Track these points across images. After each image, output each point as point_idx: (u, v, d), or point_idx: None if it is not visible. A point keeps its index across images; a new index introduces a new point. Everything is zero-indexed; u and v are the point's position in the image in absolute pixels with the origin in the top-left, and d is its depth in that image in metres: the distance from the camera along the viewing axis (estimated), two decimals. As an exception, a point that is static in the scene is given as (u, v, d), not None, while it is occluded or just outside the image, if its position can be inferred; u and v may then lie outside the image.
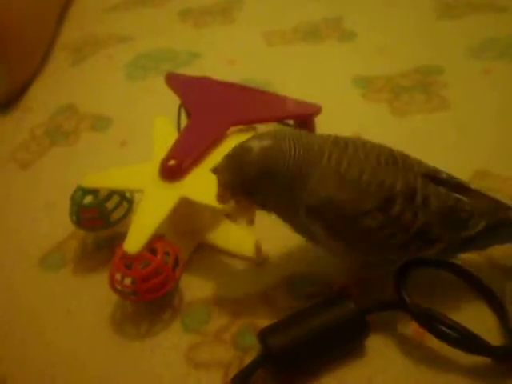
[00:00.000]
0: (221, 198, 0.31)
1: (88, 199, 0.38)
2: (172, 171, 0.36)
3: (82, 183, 0.38)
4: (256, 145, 0.29)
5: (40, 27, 0.67)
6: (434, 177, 0.32)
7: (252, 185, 0.30)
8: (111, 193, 0.39)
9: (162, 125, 0.41)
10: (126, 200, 0.40)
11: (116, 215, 0.39)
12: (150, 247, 0.34)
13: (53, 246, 0.42)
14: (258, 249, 0.37)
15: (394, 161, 0.31)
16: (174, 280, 0.34)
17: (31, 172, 0.50)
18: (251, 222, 0.34)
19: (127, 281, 0.34)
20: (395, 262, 0.32)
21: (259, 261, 0.37)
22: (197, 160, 0.37)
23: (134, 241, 0.33)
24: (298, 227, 0.32)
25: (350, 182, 0.29)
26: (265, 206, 0.31)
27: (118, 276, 0.34)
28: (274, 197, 0.30)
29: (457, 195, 0.31)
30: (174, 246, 0.35)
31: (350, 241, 0.30)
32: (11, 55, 0.59)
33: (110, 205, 0.39)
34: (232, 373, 0.30)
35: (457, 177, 0.33)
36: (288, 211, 0.31)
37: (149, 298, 0.34)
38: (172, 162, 0.36)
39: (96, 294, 0.37)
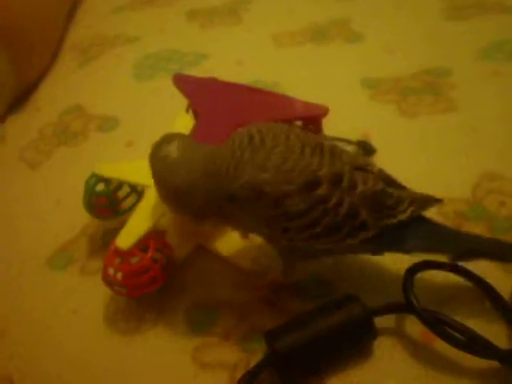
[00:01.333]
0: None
1: (100, 186, 0.39)
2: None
3: (95, 170, 0.39)
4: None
5: (48, 27, 0.67)
6: (364, 169, 0.31)
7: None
8: (122, 183, 0.40)
9: (183, 121, 0.41)
10: (135, 192, 0.40)
11: (124, 206, 0.40)
12: (144, 244, 0.34)
13: (60, 245, 0.42)
14: (254, 260, 0.37)
15: (321, 151, 0.31)
16: (161, 279, 0.34)
17: (40, 172, 0.50)
18: (245, 235, 0.35)
19: (118, 275, 0.34)
20: (329, 253, 0.32)
21: (255, 273, 0.37)
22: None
23: (127, 236, 0.34)
24: (236, 225, 0.33)
25: (272, 168, 0.29)
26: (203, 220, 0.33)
27: (111, 270, 0.34)
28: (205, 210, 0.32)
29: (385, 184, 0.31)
30: (168, 245, 0.35)
31: (276, 225, 0.30)
32: (19, 55, 0.60)
33: (120, 195, 0.40)
34: (238, 374, 0.30)
35: (388, 173, 0.33)
36: (222, 217, 0.32)
37: (135, 294, 0.34)
38: None
39: (103, 294, 0.37)
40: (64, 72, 0.64)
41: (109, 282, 0.34)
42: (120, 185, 0.40)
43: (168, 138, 0.32)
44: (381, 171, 0.33)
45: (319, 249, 0.31)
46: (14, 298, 0.39)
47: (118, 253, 0.34)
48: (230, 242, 0.38)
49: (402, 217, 0.31)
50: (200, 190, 0.31)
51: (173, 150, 0.31)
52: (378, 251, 0.33)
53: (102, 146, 0.51)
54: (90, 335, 0.35)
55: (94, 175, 0.39)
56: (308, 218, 0.30)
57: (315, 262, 0.34)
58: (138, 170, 0.38)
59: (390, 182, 0.32)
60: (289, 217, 0.30)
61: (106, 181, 0.39)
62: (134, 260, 0.34)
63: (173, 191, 0.31)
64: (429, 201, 0.32)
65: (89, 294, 0.38)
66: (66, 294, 0.38)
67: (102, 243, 0.41)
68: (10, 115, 0.59)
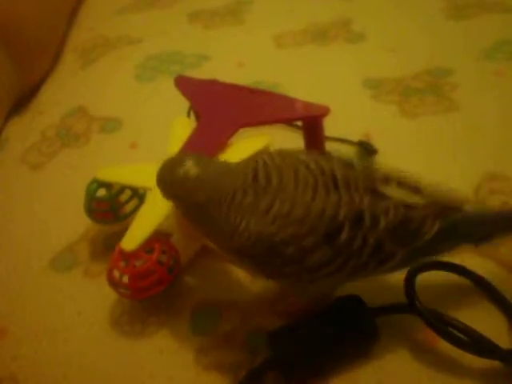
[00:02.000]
0: None
1: (101, 192, 0.39)
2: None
3: (96, 175, 0.39)
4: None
5: (50, 29, 0.67)
6: (382, 190, 0.29)
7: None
8: (124, 187, 0.40)
9: (180, 125, 0.41)
10: (137, 196, 0.40)
11: (126, 210, 0.40)
12: (149, 246, 0.34)
13: (63, 247, 0.42)
14: None
15: (335, 184, 0.28)
16: (167, 281, 0.34)
17: (42, 173, 0.50)
18: None
19: (124, 277, 0.34)
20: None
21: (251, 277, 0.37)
22: None
23: (132, 238, 0.34)
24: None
25: (280, 219, 0.27)
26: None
27: (116, 272, 0.34)
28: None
29: (406, 203, 0.29)
30: (173, 247, 0.35)
31: (298, 279, 0.28)
32: (21, 57, 0.60)
33: (121, 199, 0.40)
34: (241, 375, 0.30)
35: (408, 177, 0.31)
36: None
37: (140, 296, 0.34)
38: None
39: (106, 295, 0.37)
40: (66, 74, 0.64)
41: (114, 284, 0.34)
42: (122, 189, 0.40)
43: (179, 157, 0.29)
44: (401, 179, 0.30)
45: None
46: (17, 300, 0.39)
47: (123, 255, 0.34)
48: None
49: (428, 237, 0.29)
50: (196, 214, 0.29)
51: (191, 166, 0.28)
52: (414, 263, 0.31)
53: (104, 148, 0.51)
54: (94, 337, 0.35)
55: (95, 180, 0.39)
56: (332, 266, 0.28)
57: None
58: (139, 173, 0.38)
59: (412, 189, 0.30)
60: (310, 270, 0.28)
61: (108, 186, 0.39)
62: (139, 262, 0.34)
63: (200, 206, 0.28)
64: (452, 209, 0.30)
65: (93, 297, 0.38)
66: (70, 296, 0.38)
67: (105, 246, 0.41)
68: (13, 117, 0.59)
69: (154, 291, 0.34)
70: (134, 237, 0.34)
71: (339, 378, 0.30)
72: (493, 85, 0.50)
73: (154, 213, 0.35)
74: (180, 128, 0.41)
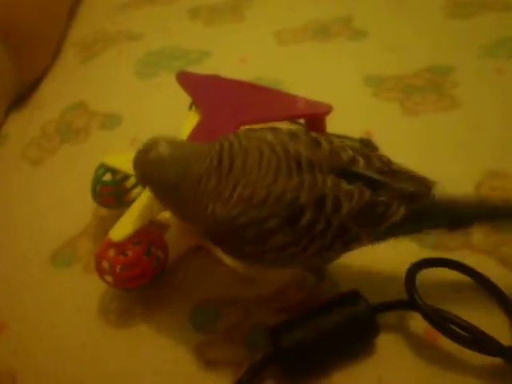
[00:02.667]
0: None
1: (107, 176, 0.40)
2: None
3: (104, 160, 0.40)
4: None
5: (50, 24, 0.67)
6: (348, 171, 0.29)
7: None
8: (128, 175, 0.40)
9: (193, 121, 0.41)
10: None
11: (130, 197, 0.41)
12: (138, 238, 0.34)
13: (63, 242, 0.42)
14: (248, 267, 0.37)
15: (298, 165, 0.28)
16: (151, 275, 0.35)
17: (42, 169, 0.50)
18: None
19: (106, 265, 0.35)
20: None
21: (248, 278, 0.37)
22: None
23: (121, 229, 0.34)
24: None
25: (242, 202, 0.27)
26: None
27: (102, 259, 0.34)
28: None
29: (374, 180, 0.29)
30: (163, 241, 0.35)
31: (261, 258, 0.29)
32: (21, 52, 0.60)
33: (126, 186, 0.41)
34: (242, 371, 0.30)
35: (378, 157, 0.31)
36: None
37: (122, 286, 0.35)
38: None
39: (106, 291, 0.37)
40: (66, 69, 0.64)
41: (99, 270, 0.35)
42: (126, 176, 0.40)
43: (152, 141, 0.30)
44: (368, 162, 0.30)
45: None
46: (17, 295, 0.39)
47: (112, 244, 0.34)
48: None
49: (395, 219, 0.29)
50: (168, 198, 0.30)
51: (162, 148, 0.29)
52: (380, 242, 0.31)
53: (104, 144, 0.51)
54: (94, 333, 0.35)
55: (103, 165, 0.40)
56: (295, 248, 0.28)
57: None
58: None
59: (380, 170, 0.30)
60: (273, 251, 0.28)
61: (113, 171, 0.40)
62: (126, 253, 0.34)
63: (170, 188, 0.29)
64: (421, 194, 0.30)
65: (93, 292, 0.38)
66: (70, 291, 0.38)
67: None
68: (13, 112, 0.59)
69: (137, 283, 0.34)
70: (123, 228, 0.34)
71: (339, 374, 0.30)
72: (494, 82, 0.50)
73: (147, 206, 0.35)
74: (192, 122, 0.40)
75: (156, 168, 0.29)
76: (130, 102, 0.55)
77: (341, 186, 0.29)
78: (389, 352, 0.31)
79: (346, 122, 0.47)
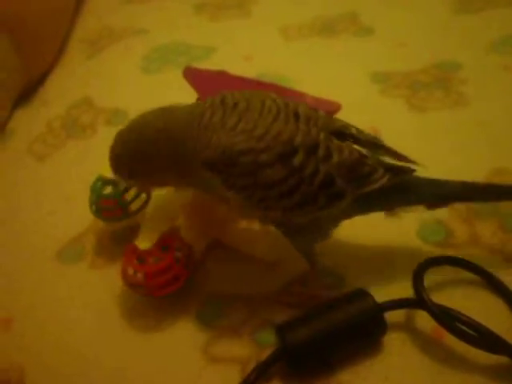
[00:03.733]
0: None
1: (108, 189, 0.39)
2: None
3: (103, 172, 0.38)
4: (123, 131, 0.32)
5: (56, 20, 0.67)
6: (341, 132, 0.32)
7: (135, 167, 0.32)
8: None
9: None
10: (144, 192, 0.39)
11: (134, 207, 0.39)
12: (163, 243, 0.34)
13: (70, 239, 0.42)
14: (267, 250, 0.37)
15: (296, 117, 0.31)
16: (184, 278, 0.34)
17: (48, 165, 0.50)
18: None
19: (140, 275, 0.34)
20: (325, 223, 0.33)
21: (270, 263, 0.37)
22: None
23: (146, 236, 0.34)
24: (206, 190, 0.32)
25: (242, 133, 0.29)
26: (167, 183, 0.33)
27: (130, 270, 0.34)
28: (168, 171, 0.31)
29: (361, 150, 0.32)
30: (187, 244, 0.35)
31: (253, 194, 0.30)
32: (27, 47, 0.60)
33: (128, 196, 0.39)
34: (249, 368, 0.31)
35: (368, 133, 0.34)
36: (191, 180, 0.32)
37: (157, 293, 0.34)
38: None
39: (113, 287, 0.37)
40: (72, 65, 0.64)
41: (129, 283, 0.34)
42: (128, 186, 0.39)
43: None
44: (359, 132, 0.33)
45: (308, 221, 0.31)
46: (23, 291, 0.39)
47: (138, 253, 0.33)
48: (243, 233, 0.38)
49: (378, 184, 0.31)
50: (160, 154, 0.31)
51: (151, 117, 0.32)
52: (363, 213, 0.33)
53: (110, 140, 0.51)
54: (100, 329, 0.35)
55: (99, 178, 0.39)
56: (283, 187, 0.30)
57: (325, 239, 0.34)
58: None
59: (368, 141, 0.33)
60: (264, 186, 0.30)
61: (113, 183, 0.38)
62: (155, 259, 0.33)
63: (127, 155, 0.32)
64: (405, 170, 0.32)
65: (99, 289, 0.38)
66: (76, 287, 0.38)
67: (111, 238, 0.41)
68: (19, 108, 0.59)
69: (172, 288, 0.34)
70: (149, 234, 0.33)
71: (347, 372, 0.30)
72: (501, 79, 0.50)
73: (167, 209, 0.34)
74: None
75: (144, 132, 0.31)
76: (135, 98, 0.55)
77: (333, 140, 0.31)
78: (396, 350, 0.31)
79: (352, 119, 0.46)
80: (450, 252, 0.35)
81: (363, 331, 0.31)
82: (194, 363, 0.32)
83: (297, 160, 0.29)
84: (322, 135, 0.30)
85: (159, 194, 0.36)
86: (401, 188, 0.32)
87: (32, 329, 0.36)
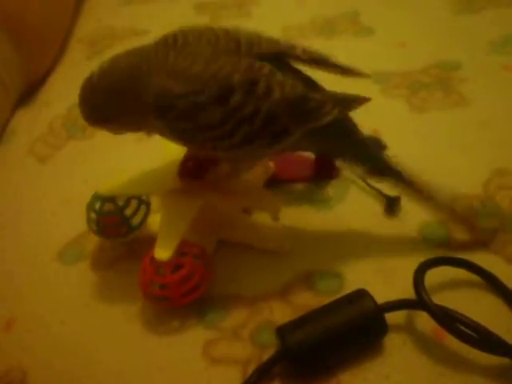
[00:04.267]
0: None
1: (107, 206, 0.38)
2: (191, 173, 0.36)
3: (101, 191, 0.37)
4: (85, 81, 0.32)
5: (56, 20, 0.67)
6: (286, 54, 0.31)
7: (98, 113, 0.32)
8: (129, 198, 0.38)
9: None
10: (143, 203, 0.39)
11: (136, 220, 0.39)
12: (179, 251, 0.33)
13: (71, 239, 0.42)
14: (280, 240, 0.37)
15: (237, 48, 0.30)
16: (207, 280, 0.34)
17: (49, 165, 0.50)
18: (276, 218, 0.35)
19: (164, 287, 0.33)
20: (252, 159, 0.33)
21: (281, 252, 0.37)
22: (215, 160, 0.37)
23: (165, 246, 0.33)
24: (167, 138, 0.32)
25: (179, 73, 0.29)
26: (138, 128, 0.33)
27: (154, 284, 0.33)
28: (135, 114, 0.31)
29: (308, 82, 0.31)
30: (200, 247, 0.35)
31: (195, 136, 0.30)
32: (28, 47, 0.60)
33: (128, 211, 0.38)
34: (250, 369, 0.31)
35: (316, 50, 0.33)
36: (148, 124, 0.31)
37: (185, 302, 0.33)
38: (190, 164, 0.36)
39: (114, 288, 0.37)
40: (73, 65, 0.64)
41: (153, 296, 0.34)
42: (128, 199, 0.38)
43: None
44: (305, 52, 0.32)
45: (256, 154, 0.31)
46: (25, 292, 0.39)
47: (157, 264, 0.33)
48: (250, 228, 0.39)
49: (327, 119, 0.30)
50: (126, 96, 0.30)
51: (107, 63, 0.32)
52: (316, 150, 0.34)
53: (111, 140, 0.51)
54: (101, 330, 0.35)
55: (97, 196, 0.38)
56: (223, 130, 0.29)
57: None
58: (144, 181, 0.37)
59: (317, 62, 0.32)
60: (203, 129, 0.29)
61: (112, 199, 0.37)
62: (177, 268, 0.33)
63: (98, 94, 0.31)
64: (355, 100, 0.32)
65: (100, 289, 0.38)
66: (77, 288, 0.38)
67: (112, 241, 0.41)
68: (19, 109, 0.59)
69: (197, 294, 0.33)
70: (167, 244, 0.33)
71: (348, 373, 0.30)
72: (502, 79, 0.50)
73: (180, 216, 0.34)
74: None
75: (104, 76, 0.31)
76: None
77: (275, 75, 0.30)
78: (396, 351, 0.31)
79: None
80: (451, 253, 0.35)
81: (364, 332, 0.31)
82: (194, 364, 0.32)
83: (234, 100, 0.28)
84: (265, 69, 0.29)
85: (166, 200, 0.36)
86: (347, 130, 0.33)
87: (34, 329, 0.36)
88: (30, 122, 0.56)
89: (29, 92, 0.60)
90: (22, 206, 0.46)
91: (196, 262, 0.33)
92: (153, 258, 0.33)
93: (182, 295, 0.33)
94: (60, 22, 0.69)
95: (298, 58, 0.32)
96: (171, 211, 0.35)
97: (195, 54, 0.29)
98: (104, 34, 0.68)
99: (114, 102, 0.31)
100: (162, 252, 0.33)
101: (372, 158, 0.34)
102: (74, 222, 0.43)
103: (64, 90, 0.60)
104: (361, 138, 0.34)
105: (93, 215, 0.38)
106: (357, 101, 0.32)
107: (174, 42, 0.30)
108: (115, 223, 0.38)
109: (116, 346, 0.34)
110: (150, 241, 0.34)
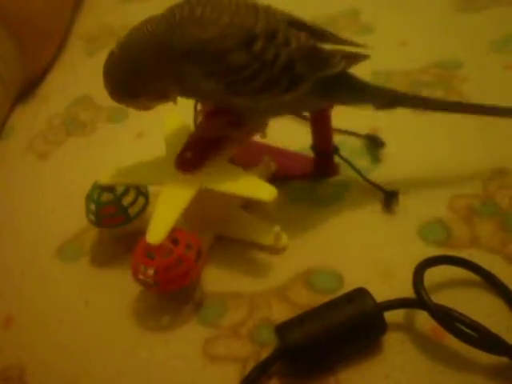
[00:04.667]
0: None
1: (106, 196, 0.38)
2: (189, 163, 0.36)
3: (100, 180, 0.38)
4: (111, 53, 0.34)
5: (56, 17, 0.67)
6: (297, 23, 0.35)
7: (131, 82, 0.33)
8: (128, 188, 0.39)
9: (172, 120, 0.41)
10: (142, 194, 0.39)
11: (134, 210, 0.39)
12: (172, 238, 0.34)
13: (70, 236, 0.42)
14: (277, 235, 0.37)
15: (255, 8, 0.34)
16: (196, 271, 0.34)
17: (49, 162, 0.50)
18: (264, 135, 0.37)
19: (150, 271, 0.34)
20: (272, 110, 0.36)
21: (278, 248, 0.37)
22: (213, 151, 0.37)
23: (156, 231, 0.33)
24: (194, 91, 0.35)
25: (208, 23, 0.32)
26: (165, 95, 0.35)
27: (142, 266, 0.34)
28: (161, 78, 0.33)
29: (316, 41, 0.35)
30: (195, 238, 0.35)
31: (223, 79, 0.33)
32: (27, 44, 0.60)
33: (127, 200, 0.38)
34: (249, 367, 0.31)
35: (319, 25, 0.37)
36: (183, 85, 0.34)
37: (170, 288, 0.34)
38: (189, 154, 0.37)
39: (113, 285, 0.37)
40: (72, 62, 0.64)
41: (140, 278, 0.34)
42: (127, 190, 0.38)
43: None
44: (312, 24, 0.36)
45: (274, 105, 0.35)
46: (24, 289, 0.39)
47: (148, 249, 0.33)
48: (246, 224, 0.39)
49: (336, 69, 0.35)
50: (151, 61, 0.32)
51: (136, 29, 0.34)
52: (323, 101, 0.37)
53: (111, 137, 0.51)
54: (100, 327, 0.35)
55: (96, 187, 0.38)
56: (249, 71, 0.32)
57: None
58: (143, 171, 0.38)
59: (321, 34, 0.36)
60: (231, 70, 0.32)
61: (111, 189, 0.38)
62: (167, 254, 0.33)
63: (124, 68, 0.33)
64: (357, 56, 0.37)
65: (99, 286, 0.38)
66: (77, 285, 0.38)
67: (112, 235, 0.41)
68: (18, 105, 0.59)
69: (183, 282, 0.34)
70: (159, 229, 0.33)
71: (346, 372, 0.30)
72: (503, 78, 0.50)
73: (174, 203, 0.34)
74: (173, 124, 0.41)
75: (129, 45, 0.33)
76: (136, 96, 0.55)
77: (290, 29, 0.34)
78: (395, 350, 0.31)
79: (352, 118, 0.46)
80: (451, 252, 0.35)
81: (363, 331, 0.30)
82: (193, 362, 0.32)
83: (257, 45, 0.32)
84: (281, 25, 0.34)
85: (162, 191, 0.36)
86: (353, 84, 0.37)
87: (32, 326, 0.36)
88: (29, 119, 0.56)
89: (28, 88, 0.60)
90: (21, 202, 0.46)
91: (186, 252, 0.34)
92: (145, 242, 0.33)
93: (168, 281, 0.33)
94: (60, 18, 0.69)
95: (306, 27, 0.36)
96: (167, 198, 0.35)
97: (220, 10, 0.32)
98: (103, 31, 0.68)
99: (140, 70, 0.33)
100: (154, 236, 0.33)
101: (380, 94, 0.39)
102: (73, 219, 0.43)
103: (63, 87, 0.60)
104: (364, 83, 0.38)
105: (92, 206, 0.38)
106: (359, 57, 0.37)
107: (197, 2, 0.33)
108: (113, 213, 0.38)
109: (114, 343, 0.34)
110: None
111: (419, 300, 0.30)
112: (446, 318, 0.29)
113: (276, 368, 0.30)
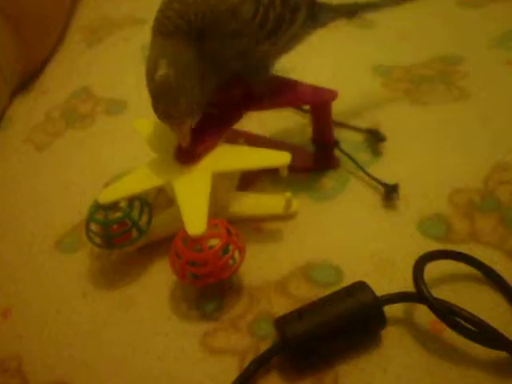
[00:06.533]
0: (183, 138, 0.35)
1: (113, 214, 0.35)
2: (192, 154, 0.36)
3: (102, 199, 0.35)
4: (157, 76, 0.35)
5: (55, 8, 0.67)
6: None
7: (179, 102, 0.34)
8: (131, 200, 0.36)
9: (142, 124, 0.41)
10: (146, 204, 0.37)
11: (143, 222, 0.37)
12: (211, 224, 0.33)
13: (69, 228, 0.42)
14: (288, 202, 0.38)
15: None
16: (243, 251, 0.34)
17: (47, 154, 0.50)
18: (285, 172, 0.36)
19: (200, 264, 0.32)
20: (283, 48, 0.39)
21: (289, 214, 0.38)
22: (209, 137, 0.37)
23: (195, 221, 0.32)
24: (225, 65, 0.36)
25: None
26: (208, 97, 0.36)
27: (189, 265, 0.32)
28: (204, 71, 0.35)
29: None
30: (240, 242, 0.34)
31: (245, 34, 0.35)
32: (27, 36, 0.59)
33: (135, 213, 0.36)
34: (248, 360, 0.30)
35: None
36: (216, 66, 0.35)
37: (225, 275, 0.33)
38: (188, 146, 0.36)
39: (111, 277, 0.37)
40: (71, 54, 0.64)
41: (187, 277, 0.33)
42: (131, 203, 0.36)
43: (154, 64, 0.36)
44: None
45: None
46: (22, 280, 0.39)
47: (193, 242, 0.32)
48: (251, 200, 0.40)
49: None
50: (192, 60, 0.34)
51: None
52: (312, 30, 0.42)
53: (109, 129, 0.51)
54: (99, 318, 0.35)
55: (97, 207, 0.35)
56: (260, 17, 0.36)
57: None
58: (144, 177, 0.36)
59: None
60: (246, 22, 0.35)
61: (114, 206, 0.35)
62: (212, 242, 0.32)
63: (172, 83, 0.34)
64: None
65: (98, 278, 0.38)
66: (75, 277, 0.38)
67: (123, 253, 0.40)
68: (17, 97, 0.58)
69: (237, 266, 0.33)
70: (197, 219, 0.32)
71: (346, 366, 0.30)
72: (504, 74, 0.50)
73: (196, 192, 0.34)
74: (146, 130, 0.40)
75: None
76: (134, 88, 0.55)
77: None
78: (395, 344, 0.31)
79: (353, 112, 0.46)
80: (450, 246, 0.35)
81: (362, 324, 0.30)
82: (192, 355, 0.32)
83: None
84: None
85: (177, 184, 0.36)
86: (328, 7, 0.43)
87: (30, 318, 0.36)
88: (28, 111, 0.56)
89: (27, 80, 0.60)
90: (20, 194, 0.46)
91: (230, 236, 0.33)
92: (185, 238, 0.32)
93: (222, 269, 0.32)
94: (59, 9, 0.68)
95: None
96: (184, 191, 0.34)
97: None
98: (103, 23, 0.67)
99: (188, 74, 0.34)
100: (195, 227, 0.32)
101: (346, 8, 0.46)
102: (71, 211, 0.43)
103: (62, 79, 0.60)
104: (335, 5, 0.45)
105: (95, 228, 0.36)
106: None
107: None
108: (125, 230, 0.35)
109: (113, 335, 0.34)
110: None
111: (419, 294, 0.30)
112: (446, 312, 0.29)
113: (275, 361, 0.30)
